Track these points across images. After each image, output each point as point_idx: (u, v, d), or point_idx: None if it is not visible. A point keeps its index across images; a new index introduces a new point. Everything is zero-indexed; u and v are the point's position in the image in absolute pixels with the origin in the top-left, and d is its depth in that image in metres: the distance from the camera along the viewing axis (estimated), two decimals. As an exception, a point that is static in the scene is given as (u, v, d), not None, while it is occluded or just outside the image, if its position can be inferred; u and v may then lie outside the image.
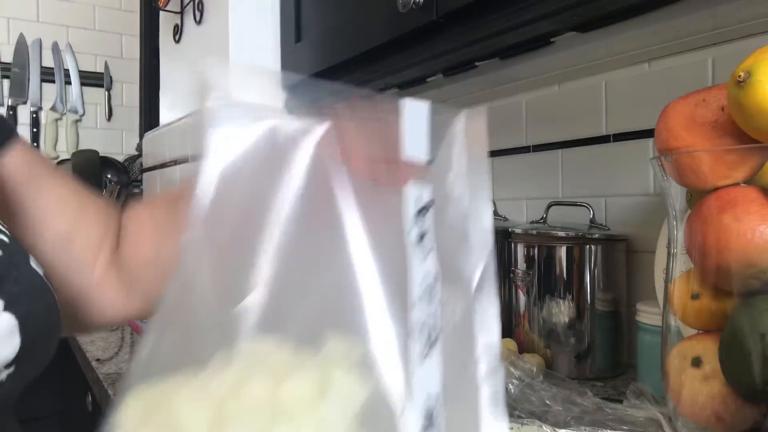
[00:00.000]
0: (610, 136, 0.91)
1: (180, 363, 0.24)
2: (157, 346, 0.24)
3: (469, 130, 0.28)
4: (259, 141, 0.26)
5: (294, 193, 0.25)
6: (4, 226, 0.37)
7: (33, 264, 0.37)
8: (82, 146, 2.24)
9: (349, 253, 0.25)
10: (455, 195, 0.27)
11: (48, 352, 0.38)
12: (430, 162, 0.27)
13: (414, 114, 0.27)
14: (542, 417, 0.58)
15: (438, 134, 0.28)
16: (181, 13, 1.36)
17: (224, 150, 0.26)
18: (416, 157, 0.27)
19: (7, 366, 0.33)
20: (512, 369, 0.68)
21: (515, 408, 0.62)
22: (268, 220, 0.25)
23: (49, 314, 0.37)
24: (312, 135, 0.26)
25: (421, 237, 0.25)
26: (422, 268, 0.25)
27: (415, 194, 0.26)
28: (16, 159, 0.44)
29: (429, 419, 0.23)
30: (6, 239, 0.35)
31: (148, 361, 0.24)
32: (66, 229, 0.47)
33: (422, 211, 0.26)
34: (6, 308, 0.32)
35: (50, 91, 2.27)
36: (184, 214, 0.37)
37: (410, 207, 0.26)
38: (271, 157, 0.26)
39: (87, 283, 0.48)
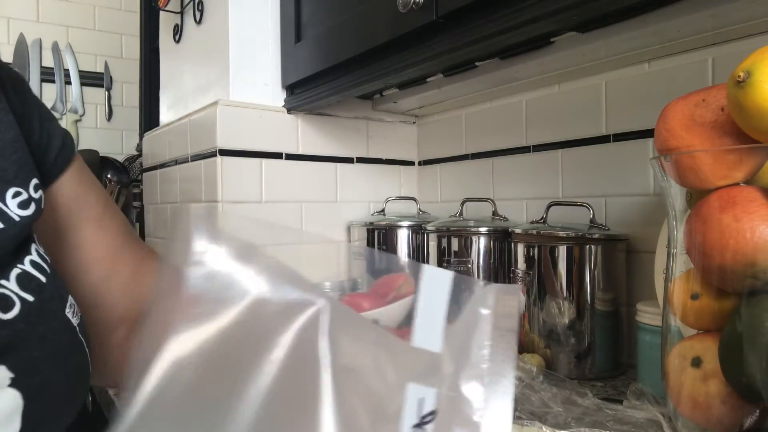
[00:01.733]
0: (610, 136, 0.92)
1: None
2: None
3: (499, 311, 0.23)
4: (244, 313, 0.22)
5: (273, 370, 0.22)
6: (45, 258, 0.33)
7: (68, 312, 0.33)
8: (82, 146, 2.24)
9: None
10: (468, 395, 0.21)
11: (60, 424, 0.33)
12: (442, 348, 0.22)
13: (433, 285, 0.22)
14: (542, 418, 0.58)
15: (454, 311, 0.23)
16: (181, 13, 1.36)
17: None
18: (427, 345, 0.22)
19: None
20: (512, 369, 0.68)
21: (515, 408, 0.62)
22: (246, 392, 0.22)
23: (72, 377, 0.33)
24: (301, 317, 0.22)
25: None
26: None
27: (413, 401, 0.21)
28: (65, 188, 0.41)
29: None
30: (44, 279, 0.31)
31: None
32: (93, 289, 0.42)
33: (420, 425, 0.21)
34: (13, 384, 0.28)
35: (50, 91, 2.27)
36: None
37: (404, 419, 0.21)
38: (255, 332, 0.23)
39: (103, 347, 0.43)
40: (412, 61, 0.81)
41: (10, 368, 0.27)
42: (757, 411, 0.46)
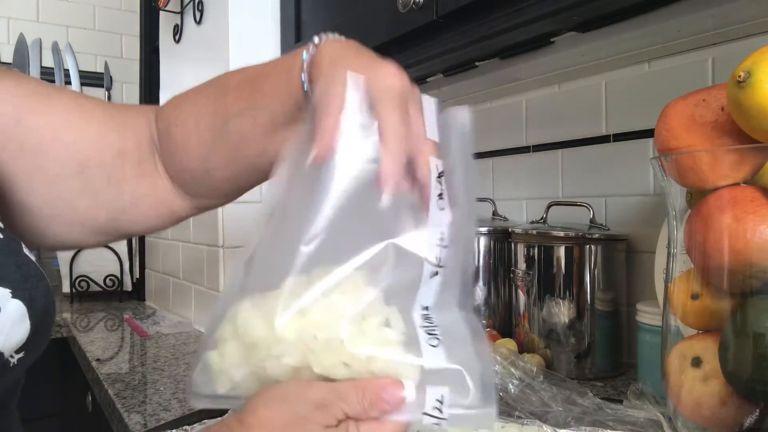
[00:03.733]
0: (610, 136, 0.92)
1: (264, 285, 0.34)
2: (248, 275, 0.35)
3: (462, 121, 0.38)
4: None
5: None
6: None
7: (26, 251, 0.38)
8: (82, 146, 2.23)
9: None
10: (456, 163, 0.37)
11: (47, 336, 0.39)
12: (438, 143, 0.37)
13: (428, 106, 0.38)
14: (542, 417, 0.58)
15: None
16: (181, 13, 1.36)
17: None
18: (432, 137, 0.37)
19: (18, 351, 0.34)
20: (512, 369, 0.68)
21: (515, 408, 0.62)
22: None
23: (46, 299, 0.38)
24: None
25: (440, 195, 0.35)
26: (438, 216, 0.35)
27: (434, 165, 0.35)
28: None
29: (426, 319, 0.34)
30: (1, 224, 0.37)
31: (242, 285, 0.35)
32: (71, 146, 0.47)
33: (439, 176, 0.35)
34: (14, 296, 0.34)
35: (50, 91, 2.26)
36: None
37: (432, 173, 0.35)
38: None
39: (118, 191, 0.49)
40: (412, 61, 0.81)
41: (6, 286, 0.34)
42: (757, 411, 0.46)
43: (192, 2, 1.29)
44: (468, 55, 0.76)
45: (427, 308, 0.35)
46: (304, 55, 0.41)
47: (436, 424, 0.32)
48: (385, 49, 0.85)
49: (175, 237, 1.40)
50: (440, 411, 0.32)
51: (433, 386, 0.32)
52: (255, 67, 0.48)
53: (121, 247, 1.72)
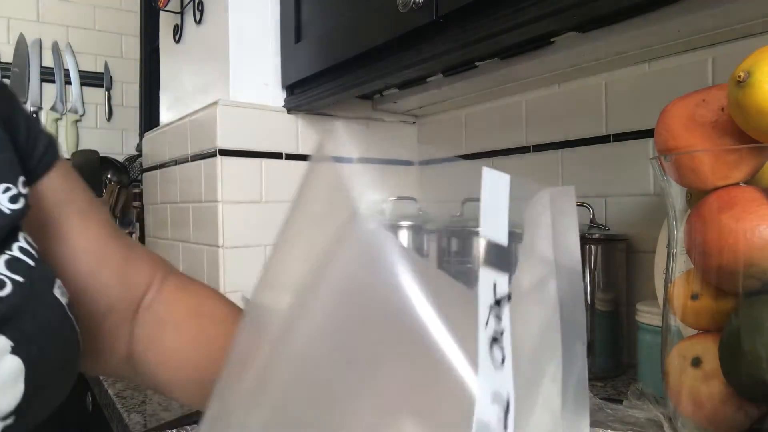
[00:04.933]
0: (610, 136, 0.92)
1: None
2: None
3: (556, 210, 0.24)
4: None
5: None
6: (33, 246, 0.34)
7: (57, 292, 0.35)
8: (82, 146, 2.24)
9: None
10: (540, 284, 0.22)
11: (58, 394, 0.35)
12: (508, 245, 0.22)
13: (494, 186, 0.23)
14: (542, 417, 0.58)
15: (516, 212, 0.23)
16: (181, 13, 1.36)
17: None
18: (495, 237, 0.21)
19: (5, 417, 0.30)
20: (512, 369, 0.68)
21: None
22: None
23: (65, 351, 0.35)
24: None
25: (494, 340, 0.19)
26: (492, 386, 0.19)
27: (487, 283, 0.20)
28: (51, 184, 0.42)
29: None
30: (32, 262, 0.33)
31: None
32: (82, 278, 0.44)
33: (496, 305, 0.20)
34: (14, 351, 0.30)
35: (50, 91, 2.27)
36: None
37: (481, 299, 0.20)
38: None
39: (95, 335, 0.45)
40: (412, 61, 0.81)
41: (10, 338, 0.30)
42: (757, 411, 0.46)
43: (192, 2, 1.29)
44: (468, 55, 0.76)
45: None
46: None
47: None
48: (385, 49, 0.85)
49: (175, 237, 1.40)
50: None
51: None
52: None
53: (121, 247, 1.72)
